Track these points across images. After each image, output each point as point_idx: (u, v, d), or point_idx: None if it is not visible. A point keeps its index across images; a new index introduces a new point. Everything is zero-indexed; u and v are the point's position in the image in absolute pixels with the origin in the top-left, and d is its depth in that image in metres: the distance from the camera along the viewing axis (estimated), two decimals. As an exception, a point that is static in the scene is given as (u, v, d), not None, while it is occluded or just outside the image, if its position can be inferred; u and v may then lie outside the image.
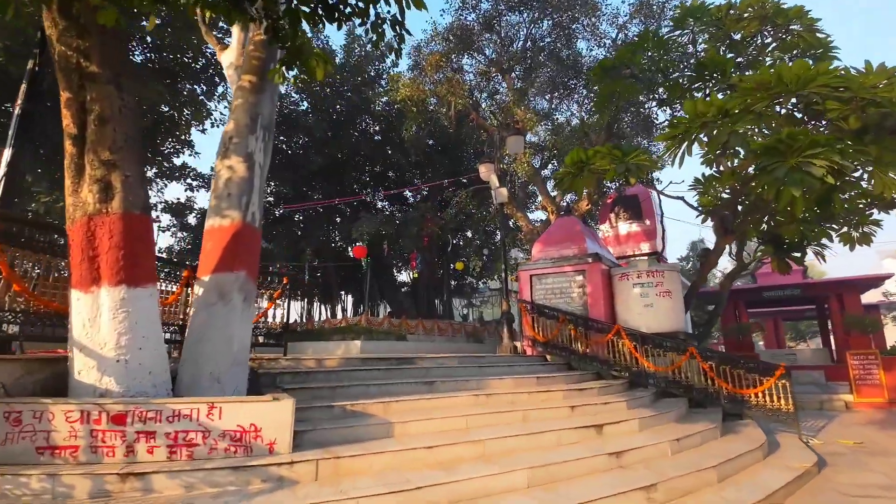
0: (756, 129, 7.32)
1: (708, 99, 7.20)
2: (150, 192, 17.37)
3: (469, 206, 15.62)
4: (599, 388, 6.71)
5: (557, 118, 15.58)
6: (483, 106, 18.02)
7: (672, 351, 7.73)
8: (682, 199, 9.09)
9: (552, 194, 15.67)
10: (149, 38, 13.13)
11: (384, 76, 19.22)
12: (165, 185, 19.56)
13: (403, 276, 26.48)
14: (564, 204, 15.48)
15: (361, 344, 14.29)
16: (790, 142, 6.00)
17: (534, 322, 9.01)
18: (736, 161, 7.75)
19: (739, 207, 8.92)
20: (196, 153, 16.58)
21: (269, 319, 5.86)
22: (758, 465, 5.42)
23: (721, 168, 8.83)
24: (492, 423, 4.85)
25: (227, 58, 6.20)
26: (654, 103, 11.33)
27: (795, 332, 35.62)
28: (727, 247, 10.43)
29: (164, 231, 21.62)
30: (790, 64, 7.19)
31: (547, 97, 16.82)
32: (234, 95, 5.32)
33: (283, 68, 5.05)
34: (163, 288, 5.37)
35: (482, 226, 19.28)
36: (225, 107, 15.21)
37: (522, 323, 9.22)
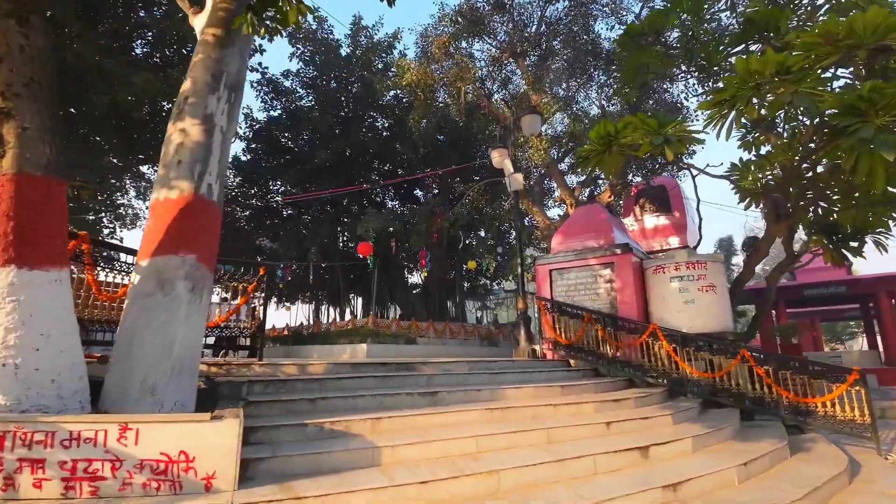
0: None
1: (761, 56, 6.10)
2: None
3: (481, 200, 14.62)
4: (636, 399, 5.63)
5: (575, 108, 14.50)
6: (495, 97, 17.07)
7: (719, 354, 6.61)
8: (726, 177, 7.91)
9: (571, 186, 14.59)
10: (150, 33, 12.54)
11: (392, 68, 18.44)
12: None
13: (415, 278, 25.56)
14: (584, 196, 14.38)
15: (368, 347, 13.38)
16: (875, 97, 4.87)
17: (555, 322, 7.96)
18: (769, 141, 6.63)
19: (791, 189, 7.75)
20: None
21: (244, 317, 4.98)
22: (845, 493, 4.30)
23: (769, 147, 7.70)
24: (508, 446, 3.84)
25: (200, 22, 5.36)
26: (687, 80, 10.23)
27: (831, 334, 33.61)
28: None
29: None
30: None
31: (563, 86, 15.77)
32: (195, 52, 4.47)
33: (251, 15, 4.20)
34: (111, 279, 4.51)
35: (496, 223, 18.27)
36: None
37: (542, 323, 8.18)
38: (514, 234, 22.86)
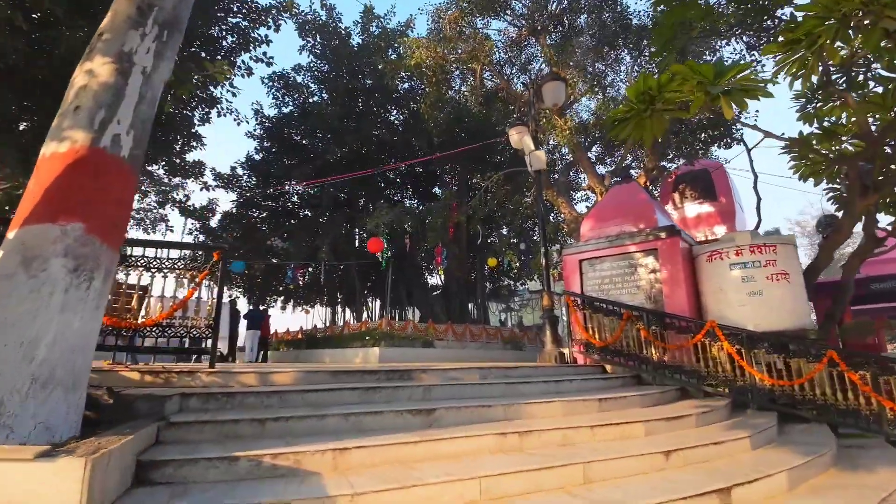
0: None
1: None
2: (163, 190, 16.40)
3: (500, 193, 13.47)
4: (697, 415, 4.37)
5: (603, 85, 13.18)
6: (515, 85, 15.92)
7: (799, 357, 5.26)
8: (790, 151, 6.51)
9: (601, 174, 13.26)
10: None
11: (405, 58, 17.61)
12: (182, 185, 18.50)
13: (434, 279, 24.54)
14: (614, 181, 12.99)
15: (380, 351, 12.40)
16: None
17: (586, 321, 6.74)
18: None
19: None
20: (202, 144, 15.21)
21: (192, 314, 3.97)
22: None
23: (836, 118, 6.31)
24: (526, 490, 2.70)
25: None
26: (736, 40, 8.83)
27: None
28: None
29: (188, 234, 20.83)
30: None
31: (589, 68, 14.47)
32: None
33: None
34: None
35: (517, 218, 17.05)
36: (229, 90, 13.86)
37: (571, 323, 6.96)
38: (537, 230, 21.57)
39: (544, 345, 7.05)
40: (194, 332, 3.75)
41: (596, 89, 11.38)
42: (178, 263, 3.79)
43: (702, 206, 11.20)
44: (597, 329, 6.61)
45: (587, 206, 15.33)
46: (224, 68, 7.83)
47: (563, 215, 14.10)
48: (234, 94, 13.91)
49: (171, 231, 16.24)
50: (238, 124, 14.06)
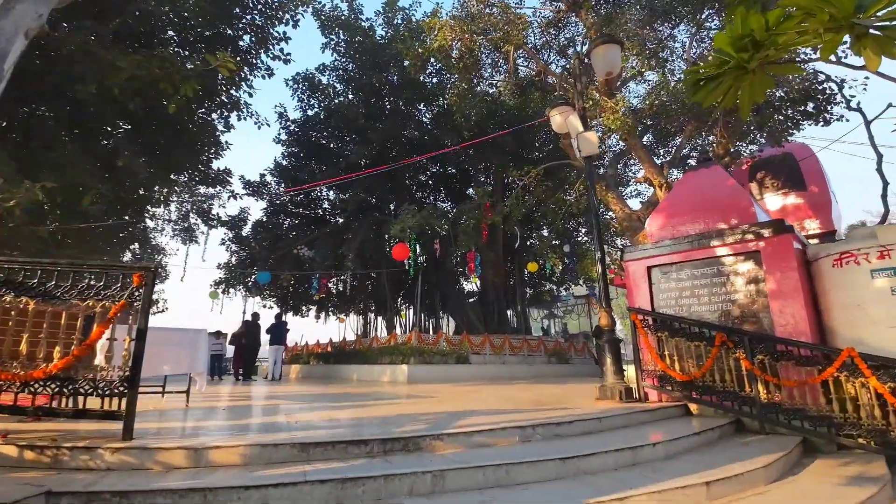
0: None
1: None
2: (184, 199, 15.99)
3: (539, 190, 11.95)
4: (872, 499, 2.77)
5: (655, 70, 11.40)
6: (553, 68, 14.38)
7: None
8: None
9: (659, 163, 11.47)
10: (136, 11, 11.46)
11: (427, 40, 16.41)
12: (218, 195, 18.03)
13: (470, 285, 23.16)
14: (673, 177, 11.22)
15: (409, 370, 11.16)
16: None
17: (661, 345, 5.17)
18: None
19: None
20: (224, 148, 14.59)
21: (102, 359, 2.78)
22: None
23: None
24: None
25: None
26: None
27: None
28: None
29: (220, 244, 20.57)
30: None
31: (644, 42, 12.70)
32: None
33: None
34: None
35: (559, 218, 15.42)
36: (246, 90, 13.14)
37: (638, 346, 5.41)
38: (583, 230, 19.76)
39: (604, 373, 5.52)
40: (103, 387, 2.60)
41: (652, 63, 9.67)
42: (86, 291, 2.65)
43: (787, 198, 9.32)
44: (676, 357, 5.03)
45: (640, 202, 13.49)
46: (228, 60, 6.82)
47: (612, 213, 12.37)
48: (250, 95, 13.19)
49: (196, 241, 15.76)
50: (259, 128, 13.30)
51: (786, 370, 4.48)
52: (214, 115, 13.57)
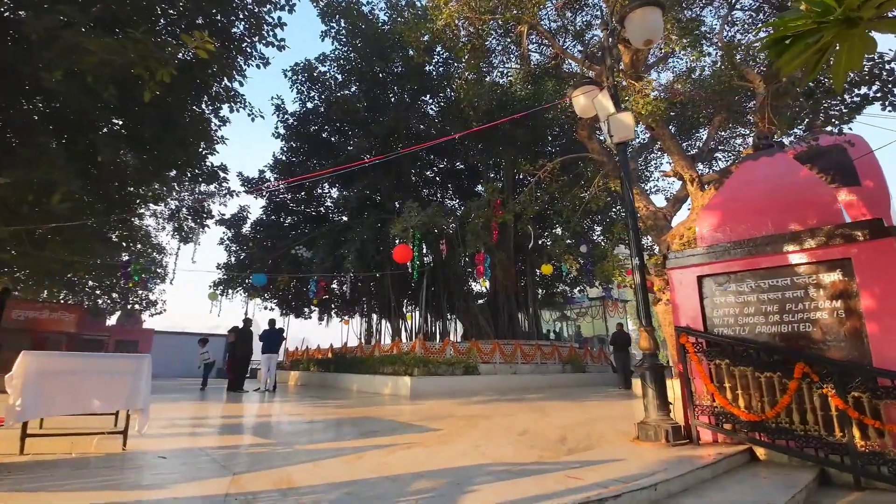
0: None
1: None
2: (175, 196, 15.16)
3: (555, 184, 10.90)
4: None
5: (691, 47, 10.28)
6: (570, 52, 13.29)
7: None
8: None
9: (691, 153, 10.36)
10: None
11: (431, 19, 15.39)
12: (219, 192, 17.16)
13: (478, 285, 22.15)
14: (708, 171, 10.10)
15: (413, 382, 10.22)
16: None
17: (714, 375, 4.16)
18: None
19: None
20: (219, 143, 13.63)
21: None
22: None
23: None
24: None
25: None
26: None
27: None
28: None
29: (219, 244, 19.78)
30: None
31: (668, 25, 11.59)
32: None
33: None
34: None
35: (575, 216, 14.33)
36: (238, 80, 12.23)
37: (689, 374, 4.40)
38: (597, 229, 18.62)
39: (646, 408, 4.50)
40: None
41: (685, 41, 8.56)
42: None
43: (839, 194, 8.19)
44: (739, 389, 4.01)
45: (666, 199, 12.39)
46: (206, 41, 5.88)
47: (636, 207, 11.28)
48: (241, 84, 12.32)
49: (192, 241, 14.94)
50: (252, 120, 12.43)
51: (890, 410, 3.45)
52: (206, 108, 12.73)
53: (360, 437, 4.72)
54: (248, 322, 11.69)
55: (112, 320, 24.63)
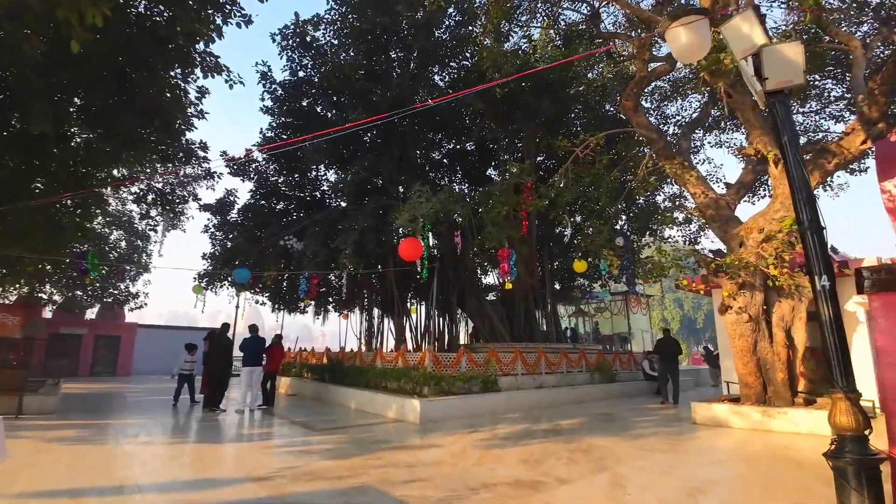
0: None
1: None
2: (147, 177, 13.10)
3: (599, 162, 8.90)
4: None
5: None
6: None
7: None
8: None
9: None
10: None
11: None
12: (211, 176, 15.08)
13: (490, 278, 20.21)
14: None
15: (422, 406, 8.37)
16: None
17: None
18: None
19: None
20: (199, 116, 11.37)
21: None
22: None
23: None
24: None
25: None
26: None
27: None
28: None
29: (203, 232, 17.78)
30: None
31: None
32: None
33: None
34: None
35: (619, 203, 12.30)
36: (208, 34, 10.08)
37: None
38: (622, 218, 16.53)
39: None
40: None
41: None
42: None
43: None
44: None
45: (725, 185, 10.35)
46: None
47: (689, 192, 9.28)
48: (212, 40, 10.18)
49: (165, 230, 12.97)
50: (231, 87, 10.28)
51: None
52: (177, 75, 10.65)
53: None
54: (224, 328, 9.79)
55: (92, 314, 22.81)
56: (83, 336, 21.13)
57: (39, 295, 20.94)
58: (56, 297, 20.14)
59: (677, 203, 12.57)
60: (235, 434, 7.43)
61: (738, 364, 8.51)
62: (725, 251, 8.99)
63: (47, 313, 20.95)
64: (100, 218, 22.85)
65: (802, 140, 11.44)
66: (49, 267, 13.86)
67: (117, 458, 5.51)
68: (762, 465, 5.29)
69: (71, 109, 10.14)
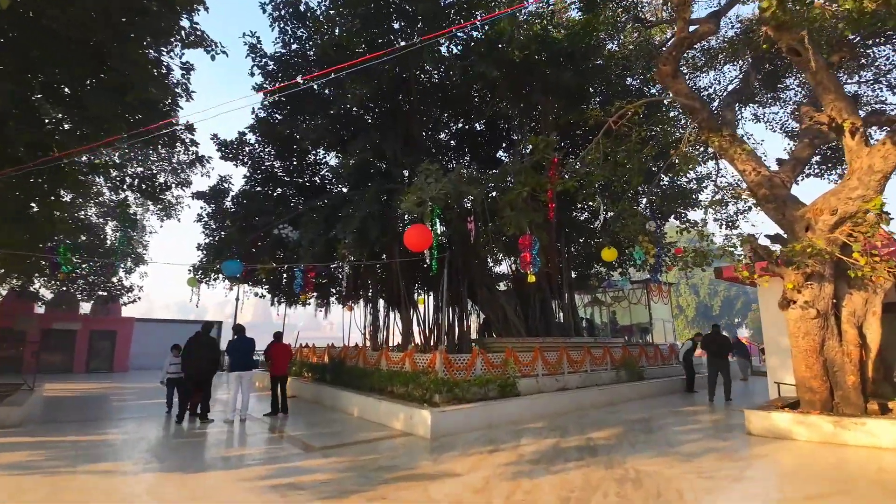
0: None
1: None
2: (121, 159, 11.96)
3: (638, 134, 7.64)
4: None
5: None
6: None
7: None
8: None
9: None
10: None
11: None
12: (203, 162, 13.96)
13: (502, 266, 19.02)
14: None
15: (433, 418, 7.27)
16: None
17: None
18: None
19: None
20: (184, 96, 10.06)
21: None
22: None
23: None
24: None
25: None
26: None
27: None
28: None
29: (196, 221, 16.68)
30: None
31: None
32: None
33: None
34: None
35: (653, 184, 11.03)
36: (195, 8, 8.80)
37: None
38: (642, 200, 15.20)
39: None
40: None
41: None
42: None
43: None
44: None
45: (778, 160, 9.07)
46: None
47: (740, 169, 8.01)
48: (193, 12, 8.90)
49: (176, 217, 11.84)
50: (212, 58, 8.98)
51: None
52: (152, 46, 9.44)
53: None
54: (207, 327, 8.69)
55: (87, 308, 21.96)
56: (77, 331, 20.29)
57: (32, 289, 20.09)
58: (45, 292, 19.25)
59: (706, 184, 11.31)
60: (215, 457, 6.39)
61: (801, 366, 7.32)
62: (785, 236, 7.74)
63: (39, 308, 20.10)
64: (93, 209, 21.88)
65: (861, 113, 10.04)
66: (44, 262, 12.91)
67: (61, 494, 4.46)
68: (864, 494, 4.14)
69: (35, 86, 9.00)
